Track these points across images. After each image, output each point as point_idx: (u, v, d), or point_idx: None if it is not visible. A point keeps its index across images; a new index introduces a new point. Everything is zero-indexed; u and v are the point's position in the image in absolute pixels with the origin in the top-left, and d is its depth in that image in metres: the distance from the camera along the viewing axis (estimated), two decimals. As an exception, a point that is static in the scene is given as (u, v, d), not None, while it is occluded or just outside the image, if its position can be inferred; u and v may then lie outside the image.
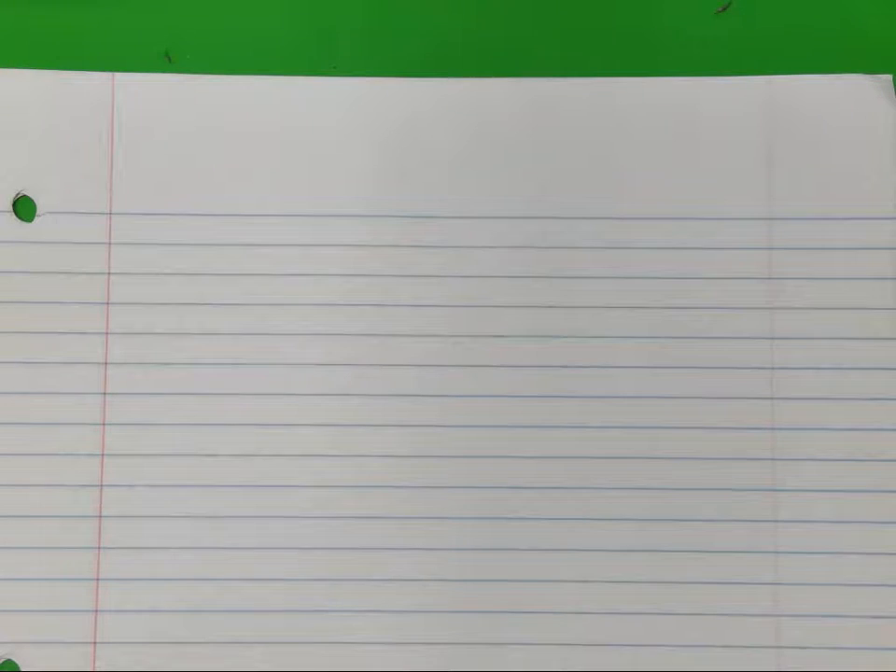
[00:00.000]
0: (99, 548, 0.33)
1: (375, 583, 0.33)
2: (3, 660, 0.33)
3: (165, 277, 0.34)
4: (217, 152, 0.34)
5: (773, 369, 0.34)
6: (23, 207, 0.34)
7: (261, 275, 0.34)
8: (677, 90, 0.34)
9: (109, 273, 0.34)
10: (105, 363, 0.34)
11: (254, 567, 0.33)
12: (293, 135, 0.34)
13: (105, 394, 0.33)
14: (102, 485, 0.33)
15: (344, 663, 0.33)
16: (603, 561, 0.33)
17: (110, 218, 0.34)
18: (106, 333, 0.34)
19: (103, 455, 0.33)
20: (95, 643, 0.33)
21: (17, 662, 0.33)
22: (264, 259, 0.34)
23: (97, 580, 0.33)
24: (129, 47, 0.35)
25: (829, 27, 0.35)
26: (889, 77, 0.34)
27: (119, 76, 0.34)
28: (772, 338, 0.34)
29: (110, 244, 0.34)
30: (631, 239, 0.34)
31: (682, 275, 0.34)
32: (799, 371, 0.34)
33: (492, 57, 0.35)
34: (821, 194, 0.34)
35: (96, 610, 0.33)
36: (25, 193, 0.34)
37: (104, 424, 0.33)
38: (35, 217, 0.34)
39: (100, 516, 0.33)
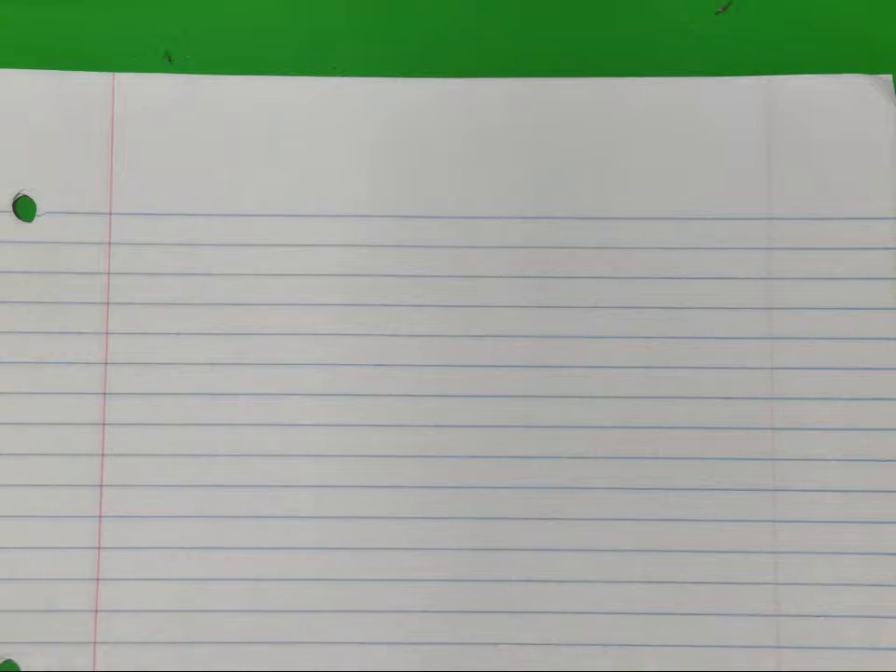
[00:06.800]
0: (99, 548, 0.33)
1: (375, 583, 0.33)
2: (3, 660, 0.33)
3: (165, 277, 0.34)
4: (217, 152, 0.34)
5: (773, 369, 0.34)
6: (23, 207, 0.34)
7: (261, 275, 0.34)
8: (677, 90, 0.34)
9: (109, 273, 0.34)
10: (105, 363, 0.34)
11: (254, 567, 0.33)
12: (293, 135, 0.34)
13: (105, 394, 0.33)
14: (102, 485, 0.33)
15: (344, 663, 0.33)
16: (603, 561, 0.33)
17: (110, 218, 0.34)
18: (106, 333, 0.34)
19: (103, 454, 0.33)
20: (95, 643, 0.33)
21: (17, 662, 0.33)
22: (264, 258, 0.34)
23: (97, 580, 0.33)
24: (129, 47, 0.35)
25: (829, 27, 0.35)
26: (889, 77, 0.34)
27: (119, 76, 0.34)
28: (771, 338, 0.34)
29: (110, 244, 0.34)
30: (631, 239, 0.34)
31: (682, 275, 0.34)
32: (799, 371, 0.34)
33: (492, 57, 0.35)
34: (821, 194, 0.34)
35: (96, 610, 0.33)
36: (25, 193, 0.34)
37: (104, 424, 0.33)
38: (35, 217, 0.34)
39: (100, 516, 0.33)
